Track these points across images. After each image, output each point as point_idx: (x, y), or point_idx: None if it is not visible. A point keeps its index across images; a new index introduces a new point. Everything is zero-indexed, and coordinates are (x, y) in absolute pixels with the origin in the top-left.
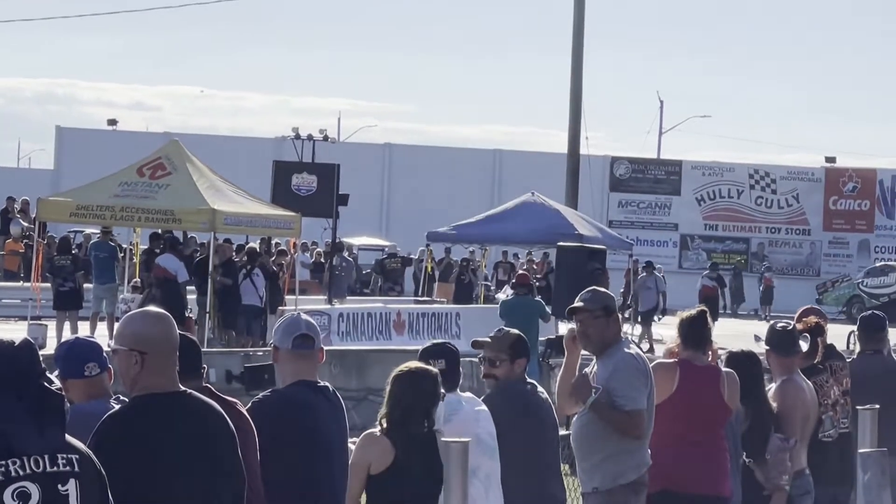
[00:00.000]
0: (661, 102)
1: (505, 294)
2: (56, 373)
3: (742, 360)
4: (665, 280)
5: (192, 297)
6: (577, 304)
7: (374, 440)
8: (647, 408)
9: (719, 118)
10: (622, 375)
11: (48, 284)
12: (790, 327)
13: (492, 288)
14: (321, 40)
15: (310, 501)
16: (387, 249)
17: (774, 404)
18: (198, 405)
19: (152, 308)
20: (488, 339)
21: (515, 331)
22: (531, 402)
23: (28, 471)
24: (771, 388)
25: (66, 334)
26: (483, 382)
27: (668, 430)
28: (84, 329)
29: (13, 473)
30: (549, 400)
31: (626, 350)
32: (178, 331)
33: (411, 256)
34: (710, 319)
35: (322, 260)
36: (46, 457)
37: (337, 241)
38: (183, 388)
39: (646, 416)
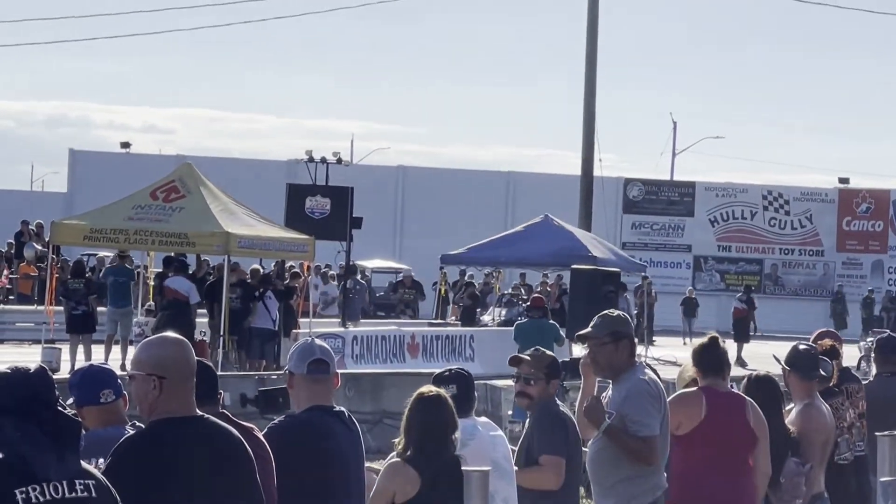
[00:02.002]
0: (675, 124)
1: (490, 316)
2: (71, 400)
3: (761, 384)
4: (635, 302)
5: (203, 321)
6: (585, 331)
7: (398, 469)
8: (660, 433)
9: (732, 139)
10: (635, 401)
11: (62, 308)
12: (813, 349)
13: (476, 310)
14: (334, 63)
15: None
16: (402, 273)
17: (794, 428)
18: (215, 430)
19: (170, 333)
20: (526, 357)
21: (551, 353)
22: (568, 425)
23: (48, 497)
24: (790, 409)
25: (80, 358)
26: (498, 405)
27: (696, 457)
28: (98, 352)
29: (34, 500)
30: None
31: (640, 376)
32: (195, 356)
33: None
34: (723, 344)
35: (335, 283)
36: (65, 483)
37: (350, 263)
38: (200, 412)
39: (659, 442)
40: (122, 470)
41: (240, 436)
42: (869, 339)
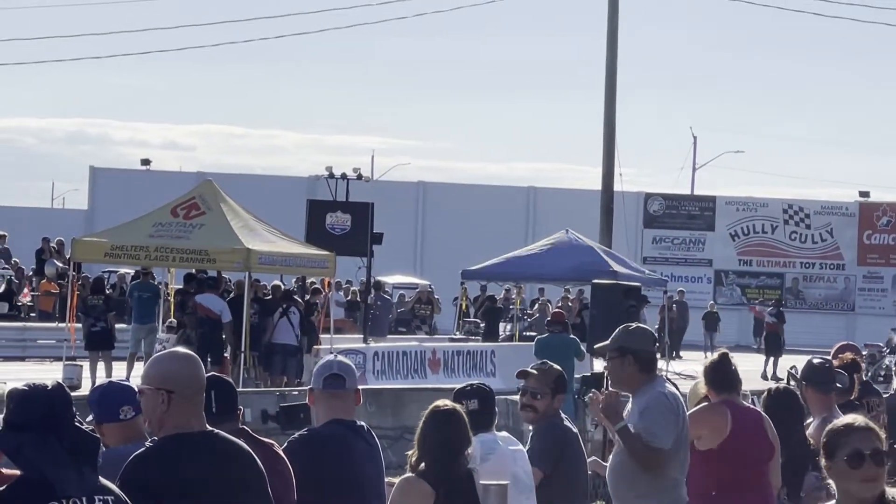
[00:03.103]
0: (695, 138)
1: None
2: (90, 417)
3: (780, 397)
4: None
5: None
6: (601, 344)
7: (413, 484)
8: (674, 447)
9: (753, 153)
10: (651, 414)
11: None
12: (827, 363)
13: (481, 326)
14: (354, 79)
15: None
16: (419, 288)
17: (813, 441)
18: (225, 445)
19: (179, 349)
20: (533, 371)
21: (558, 367)
22: (572, 440)
23: None
24: (809, 423)
25: (101, 374)
26: (519, 420)
27: (719, 472)
28: (119, 369)
29: None
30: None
31: (660, 389)
32: (204, 372)
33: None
34: (733, 361)
35: (358, 299)
36: (84, 499)
37: (373, 280)
38: (210, 427)
39: (668, 456)
40: (131, 487)
41: (251, 451)
42: (864, 353)
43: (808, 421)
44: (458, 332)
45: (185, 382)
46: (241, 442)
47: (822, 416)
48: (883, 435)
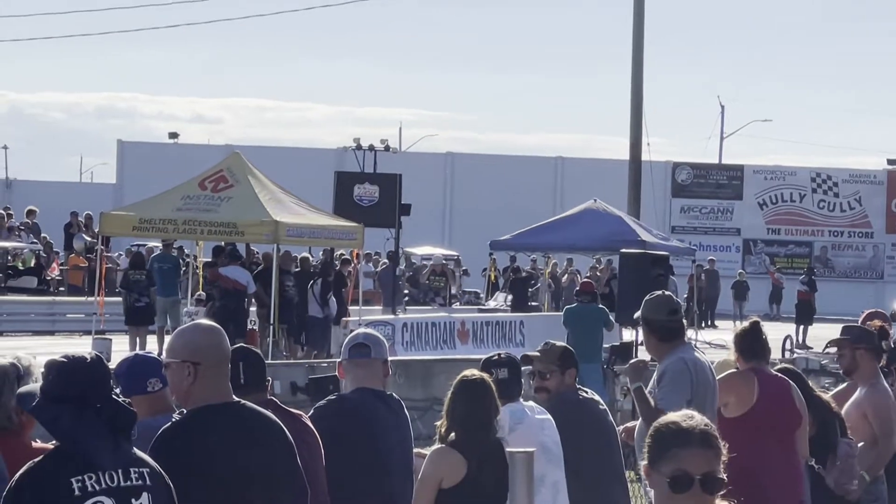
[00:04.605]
0: (722, 107)
1: (496, 301)
2: (118, 390)
3: (789, 373)
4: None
5: (252, 309)
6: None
7: (445, 454)
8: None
9: (781, 122)
10: (665, 379)
11: (112, 299)
12: (871, 329)
13: (481, 295)
14: (383, 51)
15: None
16: (443, 257)
17: (870, 407)
18: (253, 416)
19: (203, 321)
20: (537, 354)
21: (562, 343)
22: (588, 411)
23: (104, 485)
24: (839, 391)
25: (137, 350)
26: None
27: (747, 440)
28: (152, 344)
29: (90, 488)
30: (605, 407)
31: (681, 354)
32: (229, 342)
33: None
34: (763, 330)
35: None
36: (120, 471)
37: (391, 251)
38: (237, 398)
39: None
40: (162, 459)
41: (279, 422)
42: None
43: (840, 388)
44: (457, 303)
45: (211, 354)
46: (269, 413)
47: (869, 381)
48: (725, 448)
